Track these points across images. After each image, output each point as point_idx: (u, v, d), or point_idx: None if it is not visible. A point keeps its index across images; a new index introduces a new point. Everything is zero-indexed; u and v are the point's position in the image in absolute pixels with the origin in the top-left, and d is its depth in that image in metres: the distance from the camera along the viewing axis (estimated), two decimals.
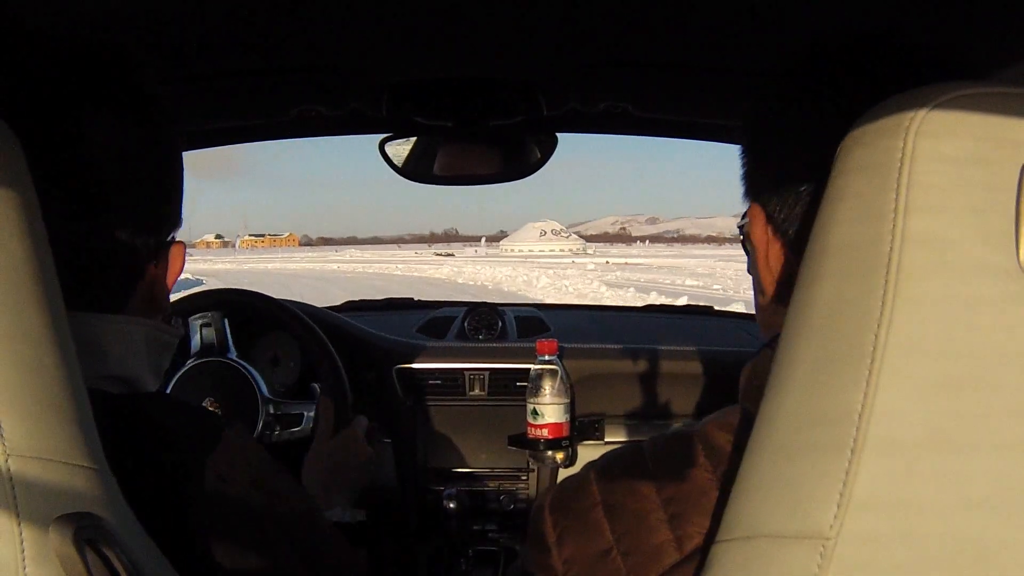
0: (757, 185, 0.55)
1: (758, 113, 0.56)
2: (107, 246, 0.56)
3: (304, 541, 0.61)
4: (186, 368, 1.21)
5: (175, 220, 0.64)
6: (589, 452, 1.43)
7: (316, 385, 1.25)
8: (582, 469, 0.55)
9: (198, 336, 1.23)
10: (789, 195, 0.50)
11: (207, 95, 1.06)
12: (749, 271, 0.58)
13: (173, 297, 0.68)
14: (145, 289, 0.61)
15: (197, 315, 1.25)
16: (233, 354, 1.24)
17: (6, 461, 0.37)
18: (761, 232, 0.53)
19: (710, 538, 0.41)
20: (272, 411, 1.20)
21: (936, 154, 0.33)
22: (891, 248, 0.33)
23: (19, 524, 0.36)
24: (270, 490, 0.59)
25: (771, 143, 0.54)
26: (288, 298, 1.42)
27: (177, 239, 0.64)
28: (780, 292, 0.53)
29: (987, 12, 0.66)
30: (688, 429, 0.51)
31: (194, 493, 0.53)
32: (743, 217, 0.57)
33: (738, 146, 0.59)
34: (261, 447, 0.63)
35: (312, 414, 1.20)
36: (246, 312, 1.33)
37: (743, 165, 0.57)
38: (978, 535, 0.32)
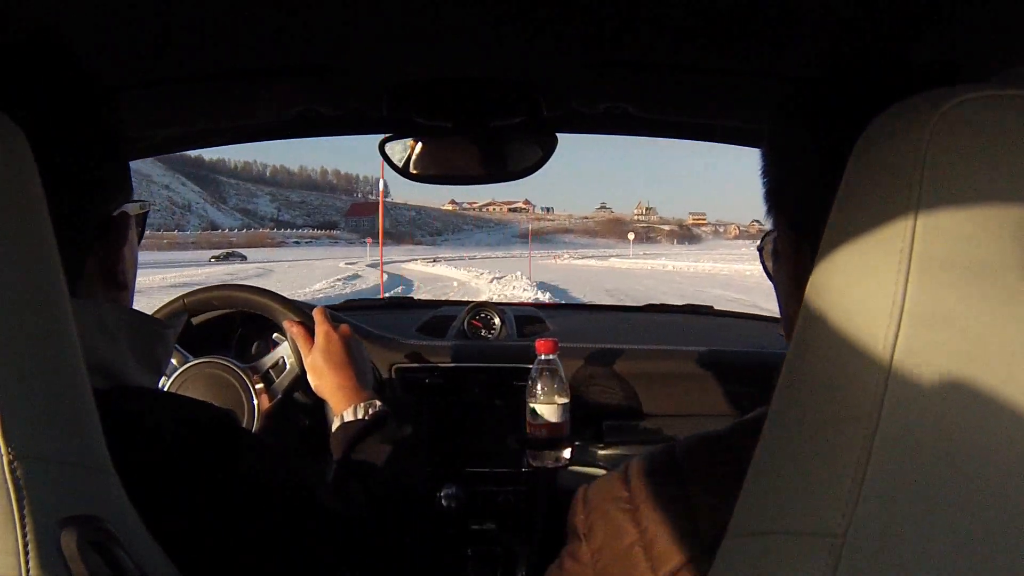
0: (783, 201, 0.55)
1: (778, 130, 0.56)
2: None
3: (303, 527, 0.60)
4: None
5: (118, 188, 0.59)
6: (588, 452, 1.44)
7: (276, 335, 1.25)
8: (621, 466, 0.57)
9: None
10: (818, 208, 0.51)
11: (208, 95, 1.06)
12: (774, 283, 0.59)
13: None
14: (98, 265, 0.58)
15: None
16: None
17: (11, 463, 0.36)
18: (791, 247, 0.53)
19: (725, 534, 0.41)
20: (256, 379, 1.20)
21: (952, 154, 0.33)
22: (905, 247, 0.33)
23: (23, 526, 0.36)
24: (263, 480, 0.59)
25: (795, 159, 0.54)
26: None
27: (134, 208, 0.60)
28: None
29: (987, 13, 0.66)
30: (718, 430, 0.54)
31: (182, 491, 0.52)
32: (766, 233, 0.57)
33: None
34: (252, 435, 0.62)
35: (288, 350, 1.21)
36: (232, 306, 1.33)
37: (765, 184, 0.57)
38: (992, 532, 0.32)
